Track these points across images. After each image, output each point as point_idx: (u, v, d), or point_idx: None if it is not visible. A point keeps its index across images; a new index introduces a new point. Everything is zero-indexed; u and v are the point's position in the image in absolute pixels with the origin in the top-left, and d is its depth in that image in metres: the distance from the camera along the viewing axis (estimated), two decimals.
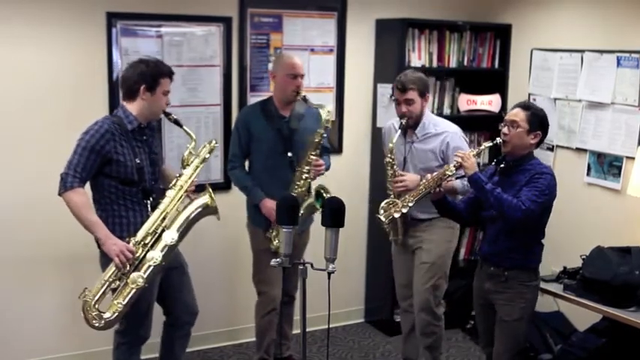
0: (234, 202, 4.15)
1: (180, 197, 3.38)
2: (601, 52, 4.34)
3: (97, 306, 3.19)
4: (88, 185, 3.28)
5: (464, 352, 4.72)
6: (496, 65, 5.12)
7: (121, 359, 3.50)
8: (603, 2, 4.38)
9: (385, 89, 4.70)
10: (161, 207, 3.32)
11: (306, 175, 3.88)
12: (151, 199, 3.36)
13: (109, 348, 3.56)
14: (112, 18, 4.07)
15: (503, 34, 5.08)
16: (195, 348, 4.46)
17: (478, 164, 3.42)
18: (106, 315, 3.21)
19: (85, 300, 3.17)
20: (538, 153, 3.48)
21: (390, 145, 3.82)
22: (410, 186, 3.72)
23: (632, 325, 3.48)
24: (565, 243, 4.26)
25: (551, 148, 4.68)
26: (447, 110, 5.03)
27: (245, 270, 4.18)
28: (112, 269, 3.21)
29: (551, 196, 3.31)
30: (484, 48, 5.07)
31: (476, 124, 5.04)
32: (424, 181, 3.52)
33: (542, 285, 3.68)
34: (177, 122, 3.49)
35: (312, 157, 3.86)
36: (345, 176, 4.73)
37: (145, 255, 3.25)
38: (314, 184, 3.99)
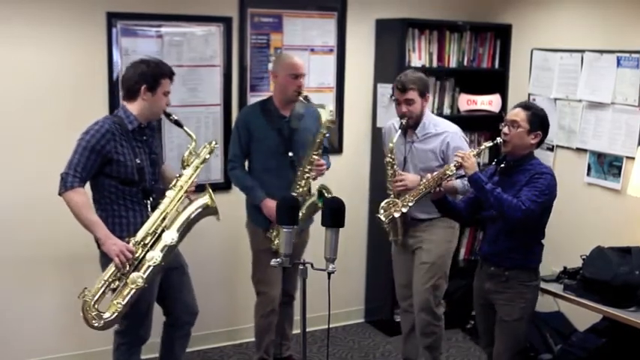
0: (234, 202, 4.15)
1: (180, 198, 3.38)
2: (601, 52, 4.34)
3: (96, 306, 3.19)
4: (88, 185, 3.28)
5: (464, 352, 4.72)
6: (496, 65, 5.12)
7: (120, 359, 3.50)
8: (603, 2, 4.38)
9: (385, 89, 4.70)
10: (161, 207, 3.32)
11: (308, 175, 3.89)
12: (151, 199, 3.36)
13: (109, 348, 3.56)
14: (112, 18, 4.07)
15: (503, 34, 5.08)
16: (195, 348, 4.46)
17: (478, 164, 3.42)
18: (106, 315, 3.21)
19: (84, 300, 3.17)
20: (538, 153, 3.48)
21: (391, 144, 3.82)
22: (410, 186, 3.72)
23: (632, 325, 3.48)
24: (565, 243, 4.26)
25: (551, 148, 4.68)
26: (447, 110, 5.03)
27: (245, 270, 4.18)
28: (111, 269, 3.21)
29: (551, 196, 3.31)
30: (484, 48, 5.07)
31: (476, 124, 5.04)
32: (424, 180, 3.52)
33: (543, 285, 3.68)
34: (177, 123, 3.49)
35: (314, 156, 3.87)
36: (345, 176, 4.72)
37: (145, 255, 3.25)
38: (315, 184, 3.99)
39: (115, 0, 4.08)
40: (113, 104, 4.07)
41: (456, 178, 3.66)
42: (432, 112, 4.43)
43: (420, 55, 4.84)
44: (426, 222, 3.90)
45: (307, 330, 2.72)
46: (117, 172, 3.25)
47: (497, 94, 5.05)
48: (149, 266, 3.24)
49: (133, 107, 3.32)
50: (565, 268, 3.97)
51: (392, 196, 3.81)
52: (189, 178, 3.42)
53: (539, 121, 3.33)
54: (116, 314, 3.22)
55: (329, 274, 2.58)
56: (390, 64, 4.73)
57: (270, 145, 3.90)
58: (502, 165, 3.40)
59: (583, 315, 4.01)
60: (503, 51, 5.09)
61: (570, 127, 4.57)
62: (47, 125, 4.01)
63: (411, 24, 4.74)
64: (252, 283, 4.12)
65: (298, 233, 3.92)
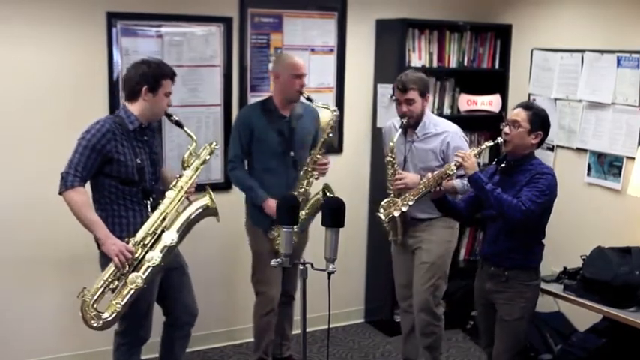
0: (234, 202, 4.15)
1: (181, 198, 3.38)
2: (601, 52, 4.34)
3: (95, 306, 3.19)
4: (88, 185, 3.28)
5: (464, 352, 4.72)
6: (496, 65, 5.12)
7: (121, 359, 3.50)
8: (604, 2, 4.38)
9: (385, 89, 4.70)
10: (161, 208, 3.32)
11: (311, 175, 3.90)
12: (151, 199, 3.36)
13: (109, 348, 3.56)
14: (112, 18, 4.07)
15: (503, 34, 5.08)
16: (195, 348, 4.46)
17: (478, 164, 3.42)
18: (105, 315, 3.21)
19: (83, 300, 3.17)
20: (538, 153, 3.48)
21: (391, 144, 3.82)
22: (410, 185, 3.72)
23: (632, 325, 3.48)
24: (565, 243, 4.26)
25: (551, 148, 4.68)
26: (447, 110, 5.03)
27: (245, 270, 4.18)
28: (111, 269, 3.21)
29: (551, 197, 3.31)
30: (484, 48, 5.07)
31: (476, 124, 5.04)
32: (424, 180, 3.52)
33: (543, 285, 3.68)
34: (178, 123, 3.49)
35: (317, 156, 3.87)
36: (346, 176, 4.72)
37: (145, 255, 3.25)
38: (316, 184, 4.00)
39: (115, 0, 4.08)
40: (113, 104, 4.07)
41: (456, 177, 3.66)
42: (432, 112, 4.44)
43: (420, 55, 4.84)
44: (426, 222, 3.90)
45: (307, 330, 2.72)
46: (117, 171, 3.25)
47: (498, 94, 5.05)
48: (148, 266, 3.24)
49: (134, 107, 3.32)
50: (565, 268, 3.97)
51: (392, 195, 3.81)
52: (190, 179, 3.42)
53: (540, 122, 3.33)
54: (115, 314, 3.22)
55: (329, 274, 2.58)
56: (390, 64, 4.73)
57: (271, 145, 3.90)
58: (502, 165, 3.40)
59: (583, 315, 4.01)
60: (504, 51, 5.09)
61: (570, 127, 4.57)
62: (47, 125, 4.01)
63: (411, 24, 4.74)
64: (252, 283, 4.12)
65: (299, 233, 3.93)
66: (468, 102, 5.04)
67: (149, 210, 3.35)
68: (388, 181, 3.86)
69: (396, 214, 3.66)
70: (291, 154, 3.92)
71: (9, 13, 3.85)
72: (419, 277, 3.93)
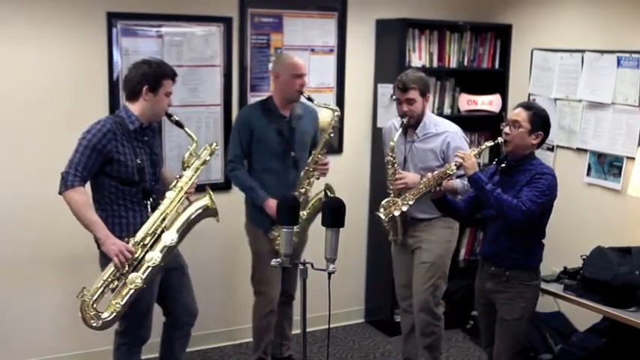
0: (234, 203, 4.15)
1: (180, 199, 3.38)
2: (601, 52, 4.34)
3: (94, 305, 3.19)
4: (88, 185, 3.28)
5: (464, 352, 4.72)
6: (496, 65, 5.12)
7: (121, 359, 3.50)
8: (604, 2, 4.38)
9: (385, 89, 4.70)
10: (161, 208, 3.32)
11: (313, 175, 3.91)
12: (151, 199, 3.36)
13: (109, 348, 3.56)
14: (112, 18, 4.07)
15: (503, 34, 5.08)
16: (195, 348, 4.46)
17: (478, 164, 3.42)
18: (104, 315, 3.21)
19: (82, 299, 3.16)
20: (538, 153, 3.48)
21: (391, 143, 3.82)
22: (410, 185, 3.72)
23: (632, 325, 3.48)
24: (565, 243, 4.26)
25: (551, 149, 4.68)
26: (447, 110, 5.03)
27: (245, 270, 4.17)
28: (110, 269, 3.21)
29: (551, 197, 3.31)
30: (484, 48, 5.07)
31: (476, 124, 5.04)
32: (424, 179, 3.52)
33: (543, 285, 3.67)
34: (179, 124, 3.49)
35: (319, 156, 3.88)
36: (346, 176, 4.72)
37: (144, 256, 3.25)
38: (317, 183, 4.00)
39: (115, 0, 4.08)
40: (113, 104, 4.07)
41: (456, 177, 3.66)
42: (432, 112, 4.44)
43: (420, 55, 4.84)
44: (426, 222, 3.90)
45: (307, 330, 2.72)
46: (117, 171, 3.25)
47: (498, 94, 5.05)
48: (148, 267, 3.24)
49: (135, 107, 3.32)
50: (565, 268, 3.97)
51: (392, 195, 3.81)
52: (190, 180, 3.42)
53: (540, 122, 3.33)
54: (114, 314, 3.22)
55: (329, 274, 2.58)
56: (390, 64, 4.73)
57: (271, 145, 3.90)
58: (503, 165, 3.40)
59: (583, 315, 4.01)
60: (504, 51, 5.09)
61: (570, 127, 4.57)
62: (47, 125, 4.01)
63: (411, 24, 4.74)
64: (252, 283, 4.12)
65: (299, 233, 3.93)
66: (468, 102, 5.04)
67: (149, 210, 3.35)
68: (388, 180, 3.86)
69: (396, 213, 3.66)
70: (292, 154, 3.92)
71: (9, 13, 3.85)
72: (419, 277, 3.93)
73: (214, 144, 3.57)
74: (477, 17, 5.06)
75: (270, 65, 4.38)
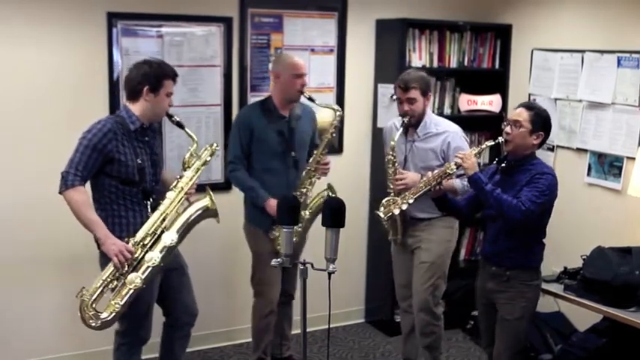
0: (234, 203, 4.14)
1: (181, 199, 3.38)
2: (601, 52, 4.34)
3: (94, 305, 3.19)
4: (88, 184, 3.28)
5: (464, 352, 4.72)
6: (497, 65, 5.12)
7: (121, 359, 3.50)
8: (604, 2, 4.38)
9: (386, 89, 4.70)
10: (161, 208, 3.32)
11: (314, 174, 3.91)
12: (151, 199, 3.36)
13: (109, 348, 3.56)
14: (112, 18, 4.07)
15: (503, 34, 5.08)
16: (195, 348, 4.46)
17: (478, 164, 3.42)
18: (103, 315, 3.21)
19: (82, 299, 3.16)
20: (539, 153, 3.47)
21: (392, 142, 3.82)
22: (410, 184, 3.72)
23: (633, 325, 3.48)
24: (565, 243, 4.26)
25: (551, 149, 4.68)
26: (447, 110, 5.03)
27: (245, 270, 4.17)
28: (110, 269, 3.21)
29: (551, 197, 3.31)
30: (484, 48, 5.07)
31: (476, 124, 5.04)
32: (424, 178, 3.52)
33: (543, 285, 3.67)
34: (179, 124, 3.49)
35: (320, 156, 3.88)
36: (346, 176, 4.72)
37: (144, 256, 3.25)
38: (318, 183, 4.00)
39: (116, 0, 4.08)
40: (113, 104, 4.07)
41: (457, 177, 3.66)
42: (433, 112, 4.43)
43: (420, 55, 4.84)
44: (425, 221, 3.90)
45: (307, 330, 2.72)
46: (117, 171, 3.25)
47: (498, 95, 5.05)
48: (148, 267, 3.24)
49: (136, 108, 3.32)
50: (565, 268, 3.97)
51: (392, 194, 3.81)
52: (190, 180, 3.42)
53: (541, 122, 3.33)
54: (114, 314, 3.22)
55: (329, 274, 2.58)
56: (390, 64, 4.73)
57: (271, 145, 3.89)
58: (503, 164, 3.40)
59: (583, 315, 4.01)
60: (504, 51, 5.09)
61: (571, 127, 4.57)
62: (47, 125, 4.01)
63: (411, 24, 4.74)
64: (252, 284, 4.11)
65: (301, 233, 3.93)
66: (469, 102, 5.03)
67: (149, 210, 3.35)
68: (389, 180, 3.86)
69: (396, 212, 3.66)
70: (292, 154, 3.92)
71: (9, 13, 3.85)
72: (418, 277, 3.93)
73: (215, 144, 3.57)
74: (477, 17, 5.06)
75: (270, 65, 4.38)
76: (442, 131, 3.87)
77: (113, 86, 4.11)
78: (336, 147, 4.80)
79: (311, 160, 3.93)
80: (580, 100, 4.49)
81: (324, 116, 4.20)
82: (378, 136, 4.61)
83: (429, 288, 3.90)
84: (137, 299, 3.26)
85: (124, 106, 3.38)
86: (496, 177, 3.43)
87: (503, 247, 3.38)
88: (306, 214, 3.94)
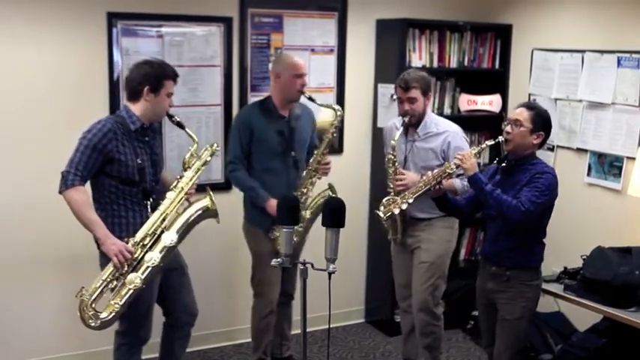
0: (234, 203, 4.14)
1: (181, 199, 3.38)
2: (602, 52, 4.34)
3: (93, 305, 3.19)
4: (88, 184, 3.28)
5: (464, 352, 4.72)
6: (497, 65, 5.12)
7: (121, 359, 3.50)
8: (604, 2, 4.38)
9: (386, 89, 4.70)
10: (161, 208, 3.32)
11: (315, 174, 3.91)
12: (151, 199, 3.36)
13: (109, 348, 3.56)
14: (112, 18, 4.07)
15: (503, 34, 5.08)
16: (195, 348, 4.46)
17: (478, 164, 3.42)
18: (103, 315, 3.21)
19: (81, 299, 3.16)
20: (539, 153, 3.47)
21: (392, 142, 3.82)
22: (410, 184, 3.72)
23: (633, 325, 3.48)
24: (566, 243, 4.26)
25: (551, 149, 4.68)
26: (447, 110, 5.03)
27: (245, 270, 4.17)
28: (109, 269, 3.21)
29: (551, 196, 3.31)
30: (485, 48, 5.07)
31: (476, 124, 5.04)
32: (424, 178, 3.52)
33: (543, 285, 3.67)
34: (180, 124, 3.49)
35: (322, 156, 3.89)
36: (346, 176, 4.72)
37: (144, 256, 3.25)
38: (319, 183, 4.01)
39: (116, 0, 4.08)
40: (113, 104, 4.07)
41: (457, 176, 3.66)
42: (433, 112, 4.43)
43: (420, 55, 4.84)
44: (425, 221, 3.90)
45: (307, 330, 2.72)
46: (118, 171, 3.25)
47: (498, 95, 5.05)
48: (147, 267, 3.24)
49: (136, 108, 3.32)
50: (565, 268, 3.97)
51: (392, 193, 3.81)
52: (190, 180, 3.41)
53: (542, 122, 3.33)
54: (113, 314, 3.22)
55: (329, 274, 2.58)
56: (390, 64, 4.73)
57: (271, 145, 3.89)
58: (503, 164, 3.40)
59: (583, 315, 4.01)
60: (504, 51, 5.09)
61: (571, 128, 4.57)
62: (47, 125, 4.01)
63: (411, 24, 4.74)
64: (252, 285, 4.11)
65: (302, 232, 3.93)
66: (469, 102, 5.03)
67: (149, 210, 3.35)
68: (389, 179, 3.86)
69: (396, 211, 3.66)
70: (292, 153, 3.92)
71: (9, 13, 3.85)
72: (418, 277, 3.93)
73: (215, 145, 3.57)
74: (477, 17, 5.06)
75: (270, 65, 4.37)
76: (442, 131, 3.87)
77: (113, 86, 4.11)
78: (336, 147, 4.80)
79: (312, 160, 3.94)
80: (580, 100, 4.49)
81: (325, 116, 4.20)
82: (378, 136, 4.61)
83: (429, 288, 3.90)
84: (137, 299, 3.26)
85: (124, 106, 3.38)
86: (497, 177, 3.43)
87: (504, 247, 3.38)
88: (307, 213, 3.94)
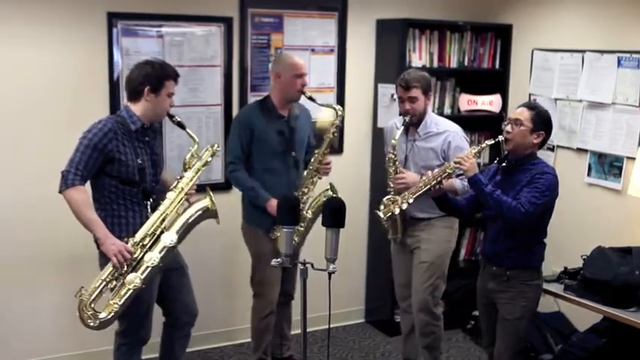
0: (234, 203, 4.14)
1: (181, 200, 3.38)
2: (602, 52, 4.34)
3: (92, 305, 3.18)
4: (88, 184, 3.28)
5: (464, 352, 4.72)
6: (497, 65, 5.12)
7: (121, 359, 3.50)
8: (604, 2, 4.38)
9: (386, 89, 4.70)
10: (161, 208, 3.32)
11: (316, 174, 3.91)
12: (151, 200, 3.36)
13: (109, 348, 3.56)
14: (112, 18, 4.07)
15: (503, 34, 5.08)
16: (195, 348, 4.46)
17: (478, 164, 3.41)
18: (102, 315, 3.21)
19: (80, 299, 3.16)
20: (539, 153, 3.47)
21: (393, 141, 3.82)
22: (410, 184, 3.72)
23: (633, 325, 3.48)
24: (566, 243, 4.26)
25: (551, 149, 4.68)
26: (447, 110, 5.03)
27: (245, 270, 4.17)
28: (109, 269, 3.20)
29: (552, 197, 3.31)
30: (485, 48, 5.07)
31: (476, 124, 5.04)
32: (424, 178, 3.52)
33: (543, 285, 3.66)
34: (180, 125, 3.49)
35: (323, 156, 3.89)
36: (346, 176, 4.71)
37: (143, 256, 3.25)
38: (319, 183, 4.00)
39: (116, 0, 4.08)
40: (114, 104, 4.07)
41: (457, 176, 3.66)
42: (433, 111, 4.43)
43: (420, 55, 4.84)
44: (425, 221, 3.90)
45: (307, 330, 2.72)
46: (118, 171, 3.25)
47: (498, 94, 5.05)
48: (147, 267, 3.24)
49: (137, 108, 3.32)
50: (565, 268, 3.97)
51: (392, 193, 3.81)
52: (190, 181, 3.41)
53: (542, 122, 3.33)
54: (112, 314, 3.22)
55: (329, 274, 2.58)
56: (390, 64, 4.73)
57: (271, 145, 3.89)
58: (503, 164, 3.39)
59: (583, 315, 4.01)
60: (504, 51, 5.09)
61: (571, 128, 4.57)
62: (47, 125, 4.01)
63: (411, 24, 4.74)
64: (252, 285, 4.11)
65: (304, 232, 3.93)
66: (469, 102, 5.03)
67: (149, 210, 3.35)
68: (389, 178, 3.86)
69: (396, 211, 3.67)
70: (292, 153, 3.92)
71: (9, 13, 3.85)
72: (418, 277, 3.93)
73: (216, 145, 3.57)
74: (478, 17, 5.06)
75: (271, 65, 4.37)
76: (443, 131, 3.87)
77: (113, 86, 4.11)
78: (337, 147, 4.80)
79: (313, 159, 3.94)
80: (580, 100, 4.49)
81: (325, 116, 4.19)
82: (378, 136, 4.61)
83: (429, 288, 3.90)
84: (137, 299, 3.25)
85: (124, 106, 3.38)
86: (497, 177, 3.43)
87: (504, 246, 3.38)
88: (308, 213, 3.94)
